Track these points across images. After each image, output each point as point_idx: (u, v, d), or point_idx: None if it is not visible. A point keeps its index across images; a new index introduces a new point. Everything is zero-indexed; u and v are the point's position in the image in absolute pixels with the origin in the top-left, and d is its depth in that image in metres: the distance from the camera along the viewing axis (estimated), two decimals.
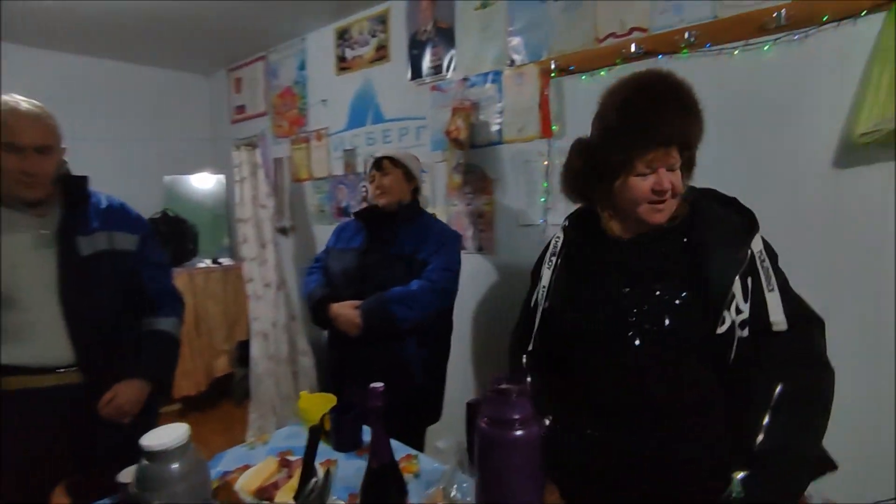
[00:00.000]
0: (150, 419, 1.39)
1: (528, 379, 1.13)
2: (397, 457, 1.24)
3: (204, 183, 3.88)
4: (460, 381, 2.48)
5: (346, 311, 1.73)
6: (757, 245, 0.98)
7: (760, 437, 0.92)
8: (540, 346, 1.15)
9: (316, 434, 0.85)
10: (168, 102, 3.93)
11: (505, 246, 2.31)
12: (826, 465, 1.00)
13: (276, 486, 1.10)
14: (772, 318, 0.95)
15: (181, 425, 0.78)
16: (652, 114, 0.96)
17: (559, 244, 1.15)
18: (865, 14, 1.40)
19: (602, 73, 1.91)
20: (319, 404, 1.42)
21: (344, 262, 1.84)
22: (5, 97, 1.26)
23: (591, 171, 1.06)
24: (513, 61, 2.20)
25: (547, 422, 1.08)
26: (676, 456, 0.97)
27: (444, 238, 1.86)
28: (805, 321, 0.98)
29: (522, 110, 2.16)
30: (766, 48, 1.57)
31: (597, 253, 1.08)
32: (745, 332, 0.95)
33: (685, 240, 1.01)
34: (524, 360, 1.18)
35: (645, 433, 0.99)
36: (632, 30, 1.83)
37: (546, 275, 1.14)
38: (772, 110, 1.58)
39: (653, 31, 1.78)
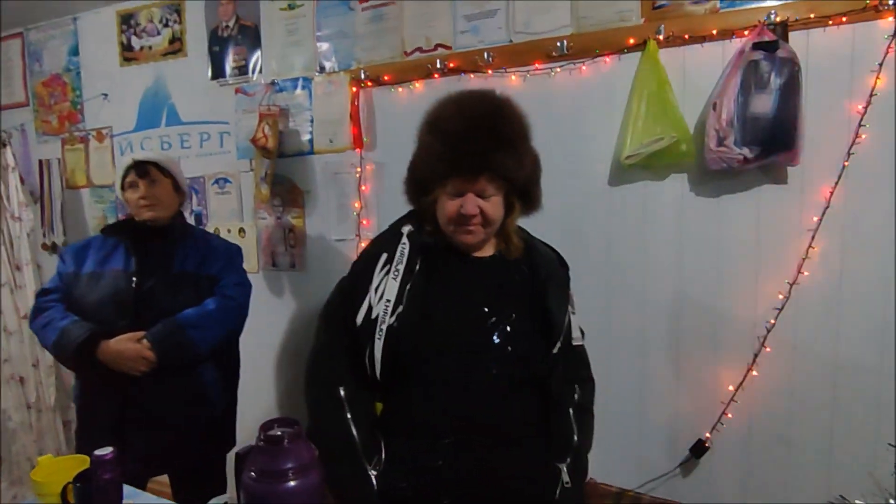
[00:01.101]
0: None
1: (348, 414, 1.01)
2: None
3: None
4: (262, 403, 2.28)
5: (130, 345, 1.44)
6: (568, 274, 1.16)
7: (577, 432, 1.08)
8: (380, 373, 1.01)
9: None
10: None
11: (317, 261, 2.17)
12: None
13: None
14: (573, 335, 1.12)
15: None
16: (459, 140, 0.95)
17: (406, 251, 1.03)
18: (626, 52, 1.60)
19: (416, 84, 1.91)
20: (67, 470, 1.12)
21: (106, 289, 1.52)
22: None
23: (414, 184, 1.07)
24: (322, 68, 2.09)
25: (377, 464, 1.00)
26: (519, 476, 1.01)
27: (230, 252, 1.70)
28: (580, 334, 1.16)
29: (333, 120, 2.06)
30: (552, 74, 1.71)
31: (447, 267, 1.05)
32: (557, 349, 1.04)
33: (527, 270, 1.07)
34: (341, 391, 1.03)
35: (487, 453, 0.98)
36: (437, 46, 1.86)
37: (391, 286, 1.00)
38: (560, 128, 1.71)
39: (455, 49, 1.83)
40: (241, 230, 2.31)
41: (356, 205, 2.02)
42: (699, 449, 1.60)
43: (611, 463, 1.60)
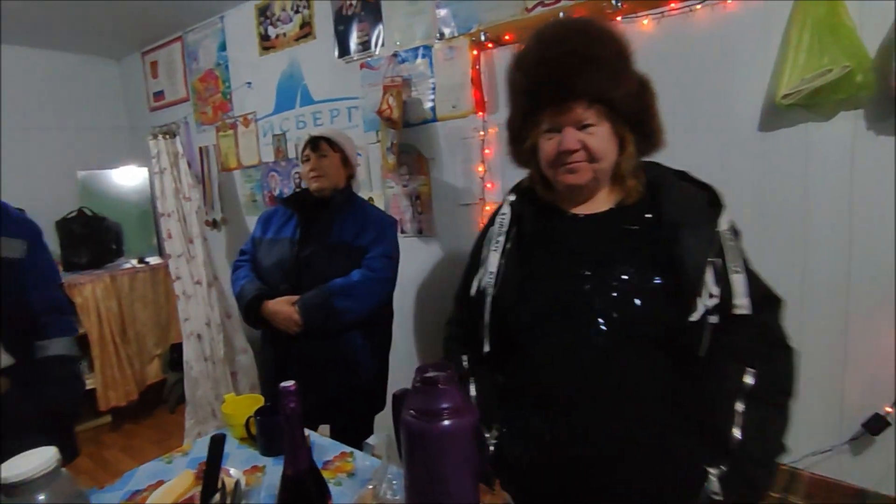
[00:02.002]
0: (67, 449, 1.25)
1: (473, 383, 1.03)
2: (331, 455, 1.17)
3: (127, 177, 3.59)
4: (403, 368, 2.41)
5: (283, 307, 1.62)
6: (723, 223, 0.89)
7: (736, 430, 0.84)
8: (490, 346, 1.00)
9: (218, 444, 0.75)
10: (76, 90, 3.59)
11: (444, 227, 2.24)
12: None
13: (191, 501, 0.99)
14: (735, 301, 0.86)
15: (48, 449, 0.66)
16: (542, 64, 0.87)
17: (506, 221, 1.01)
18: None
19: None
20: (246, 406, 1.31)
21: (277, 255, 1.70)
22: None
23: (512, 136, 1.00)
24: (442, 34, 2.11)
25: (496, 432, 0.99)
26: (642, 450, 0.87)
27: (382, 225, 1.77)
28: (767, 302, 0.91)
29: (455, 86, 2.08)
30: (691, 12, 1.55)
31: (550, 231, 0.98)
32: (716, 318, 0.86)
33: (649, 216, 0.91)
34: (465, 361, 1.05)
35: (608, 428, 0.88)
36: None
37: (493, 258, 0.99)
38: (701, 73, 1.57)
39: None
40: (370, 199, 2.45)
41: (480, 168, 2.03)
42: (877, 424, 1.41)
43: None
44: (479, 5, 1.98)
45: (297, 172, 2.73)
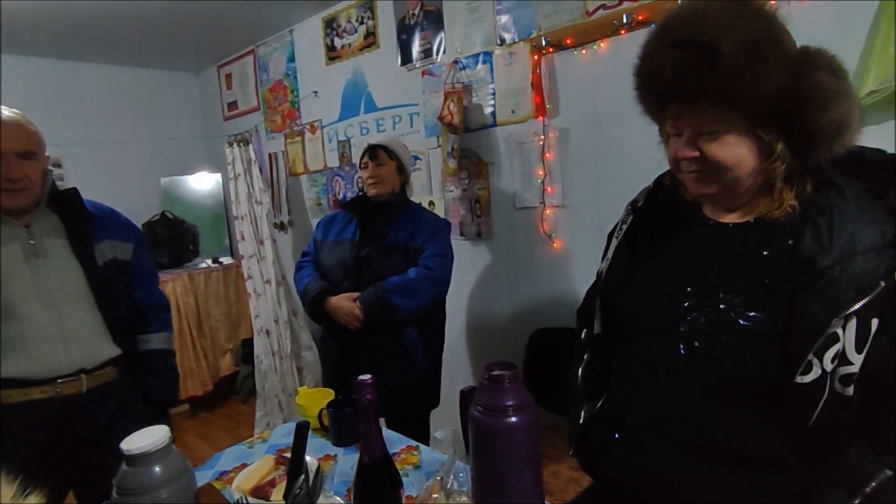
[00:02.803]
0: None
1: (587, 356, 1.00)
2: (398, 448, 1.23)
3: (202, 182, 3.85)
4: (459, 367, 2.46)
5: (345, 303, 1.71)
6: None
7: None
8: (602, 330, 0.97)
9: (303, 431, 0.82)
10: (159, 103, 3.89)
11: (502, 230, 2.27)
12: None
13: (272, 483, 1.07)
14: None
15: (160, 428, 0.75)
16: (650, 63, 0.76)
17: (630, 212, 0.95)
18: None
19: (601, 44, 1.85)
20: (318, 399, 1.39)
21: (338, 255, 1.81)
22: None
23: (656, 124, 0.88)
24: (503, 40, 2.14)
25: (588, 407, 0.99)
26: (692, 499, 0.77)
27: (437, 226, 1.84)
28: None
29: (515, 90, 2.11)
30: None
31: (679, 231, 0.88)
32: (850, 391, 0.67)
33: (790, 242, 0.74)
34: (584, 335, 1.02)
35: (666, 466, 0.80)
36: (622, 0, 1.77)
37: (612, 245, 0.96)
38: None
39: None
40: (431, 203, 2.52)
41: (540, 172, 2.05)
42: None
43: None
44: (539, 10, 2.00)
45: (359, 177, 2.85)
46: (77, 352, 1.26)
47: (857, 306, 0.65)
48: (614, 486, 0.91)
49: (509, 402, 0.86)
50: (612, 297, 0.94)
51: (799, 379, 0.68)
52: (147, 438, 0.72)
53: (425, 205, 2.54)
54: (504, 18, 2.12)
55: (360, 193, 2.02)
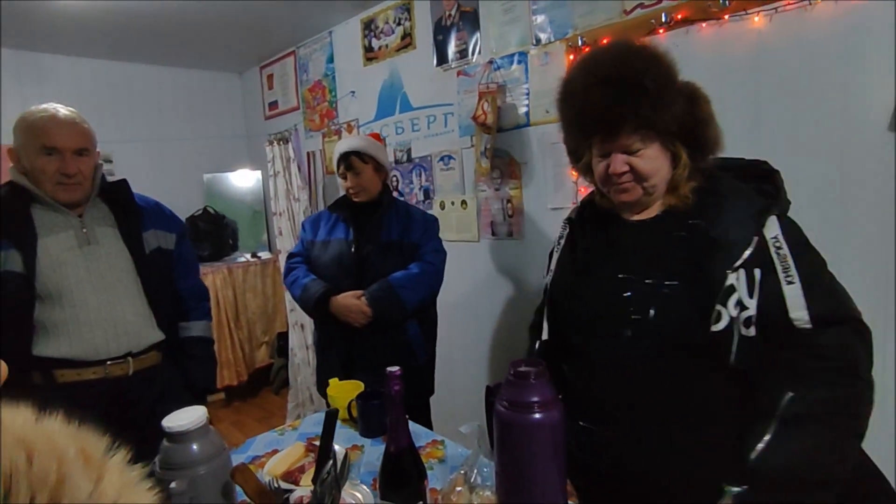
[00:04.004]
0: None
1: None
2: (423, 442, 1.25)
3: (243, 179, 3.98)
4: (494, 365, 2.47)
5: (352, 301, 1.74)
6: (771, 230, 0.86)
7: (759, 450, 0.81)
8: (550, 332, 1.11)
9: (331, 419, 0.85)
10: (204, 102, 4.04)
11: (533, 230, 2.26)
12: (880, 499, 0.92)
13: (301, 470, 1.11)
14: (791, 315, 0.83)
15: (199, 408, 0.79)
16: (583, 99, 0.91)
17: (567, 226, 1.12)
18: None
19: None
20: (348, 391, 1.43)
21: (333, 254, 1.83)
22: (44, 105, 1.32)
23: (569, 152, 1.05)
24: (538, 40, 2.14)
25: None
26: (665, 462, 0.91)
27: (427, 222, 1.89)
28: (839, 322, 0.83)
29: (549, 90, 2.08)
30: (810, 6, 1.46)
31: (605, 236, 1.04)
32: (752, 332, 0.84)
33: (694, 222, 0.92)
34: (537, 346, 1.14)
35: (633, 433, 0.93)
36: None
37: (554, 259, 1.12)
38: (820, 72, 1.47)
39: None
40: (464, 202, 2.53)
41: (573, 173, 2.04)
42: None
43: None
44: (575, 10, 1.99)
45: (392, 175, 2.89)
46: (125, 335, 1.33)
47: (741, 260, 0.84)
48: (585, 471, 1.00)
49: (534, 399, 0.86)
50: (561, 304, 1.06)
51: (714, 328, 0.85)
52: (186, 417, 0.77)
53: (457, 204, 2.55)
54: (540, 18, 2.12)
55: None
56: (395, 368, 0.87)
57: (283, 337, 3.45)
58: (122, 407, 1.34)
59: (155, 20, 2.88)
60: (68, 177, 1.29)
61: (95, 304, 1.31)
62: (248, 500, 0.76)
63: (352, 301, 1.74)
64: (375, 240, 1.82)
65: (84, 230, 1.34)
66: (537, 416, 0.86)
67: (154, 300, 1.40)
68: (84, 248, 1.33)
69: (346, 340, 1.82)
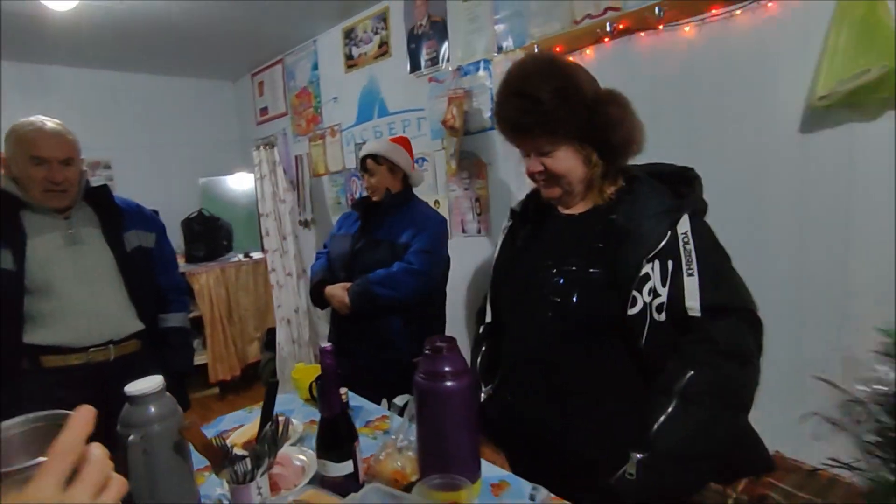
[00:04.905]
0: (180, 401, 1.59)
1: (483, 347, 1.25)
2: (374, 417, 1.39)
3: (238, 182, 4.14)
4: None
5: (338, 291, 1.90)
6: (682, 227, 0.96)
7: (659, 422, 0.90)
8: (492, 316, 1.24)
9: (272, 389, 0.99)
10: (200, 109, 4.21)
11: (500, 226, 2.38)
12: (758, 464, 1.05)
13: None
14: (686, 304, 0.93)
15: (157, 377, 0.93)
16: (499, 107, 1.05)
17: (511, 217, 1.24)
18: None
19: (587, 51, 1.95)
20: (310, 374, 1.56)
21: (340, 248, 1.99)
22: (32, 118, 1.45)
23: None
24: (500, 48, 2.27)
25: (486, 389, 1.20)
26: (577, 431, 1.01)
27: (425, 223, 1.96)
28: (729, 311, 0.94)
29: None
30: (732, 17, 1.58)
31: (535, 227, 1.16)
32: (662, 317, 0.94)
33: (613, 217, 1.02)
34: (481, 329, 1.27)
35: (549, 406, 1.04)
36: (606, 10, 1.87)
37: (497, 247, 1.24)
38: (741, 77, 1.60)
39: (625, 10, 1.82)
40: (436, 202, 2.67)
41: None
42: None
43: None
44: (532, 21, 2.12)
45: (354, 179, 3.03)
46: (106, 325, 1.48)
47: (654, 251, 0.94)
48: (510, 441, 1.14)
49: (447, 369, 1.00)
50: (497, 287, 1.19)
51: (629, 311, 0.94)
52: (146, 384, 0.90)
53: (431, 203, 2.69)
54: (501, 27, 2.25)
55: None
56: (327, 345, 1.01)
57: (272, 332, 3.59)
58: (104, 391, 1.49)
59: (153, 32, 3.03)
60: (55, 184, 1.43)
61: (80, 297, 1.45)
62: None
63: (337, 291, 1.90)
64: (370, 237, 1.95)
65: (70, 231, 1.49)
66: (449, 384, 0.99)
67: (134, 294, 1.54)
68: (70, 247, 1.47)
69: (338, 327, 1.99)
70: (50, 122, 1.46)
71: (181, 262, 3.66)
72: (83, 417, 0.45)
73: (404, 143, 2.08)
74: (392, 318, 1.91)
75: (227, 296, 3.61)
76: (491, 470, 1.05)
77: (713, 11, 1.61)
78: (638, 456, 0.90)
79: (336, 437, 1.01)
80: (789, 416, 1.22)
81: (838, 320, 1.49)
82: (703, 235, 0.97)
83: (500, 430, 1.16)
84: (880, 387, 1.11)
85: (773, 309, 1.07)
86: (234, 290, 3.66)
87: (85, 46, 3.18)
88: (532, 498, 0.93)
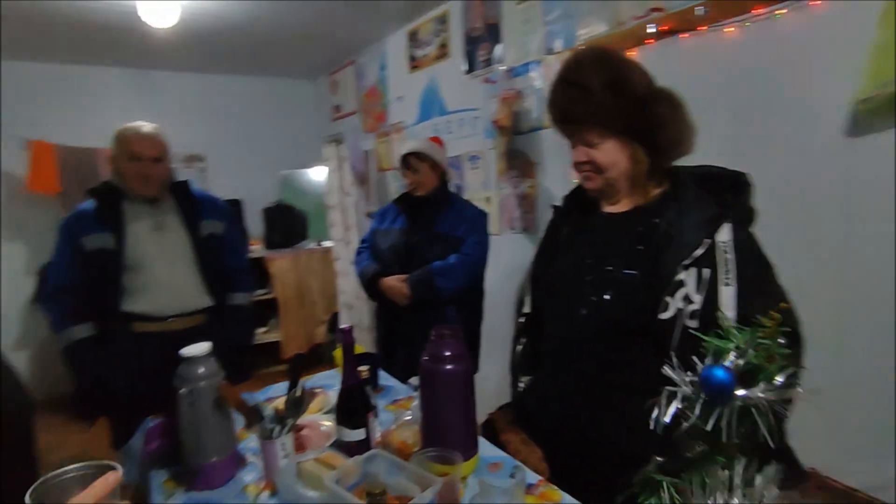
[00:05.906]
0: (239, 371, 1.80)
1: (523, 339, 1.28)
2: (401, 396, 1.53)
3: (317, 175, 4.45)
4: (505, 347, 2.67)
5: (396, 283, 2.04)
6: (723, 236, 0.94)
7: (684, 427, 0.88)
8: (531, 309, 1.24)
9: (299, 360, 1.15)
10: (283, 107, 4.58)
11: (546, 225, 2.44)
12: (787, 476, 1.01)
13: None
14: (719, 312, 0.90)
15: (206, 343, 1.12)
16: (552, 93, 1.06)
17: (554, 212, 1.24)
18: None
19: (632, 52, 1.96)
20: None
21: (390, 242, 2.13)
22: (134, 123, 1.73)
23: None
24: (551, 49, 2.31)
25: (524, 382, 1.25)
26: (599, 427, 1.02)
27: (476, 218, 2.10)
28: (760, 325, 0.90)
29: None
30: (776, 17, 1.54)
31: (578, 224, 1.16)
32: (695, 324, 0.92)
33: (656, 221, 1.01)
34: (520, 321, 1.29)
35: (583, 401, 1.05)
36: (650, 11, 1.87)
37: (540, 242, 1.26)
38: (786, 78, 1.55)
39: (668, 10, 1.80)
40: (488, 199, 2.76)
41: None
42: None
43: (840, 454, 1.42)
44: (580, 23, 2.14)
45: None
46: (181, 299, 1.74)
47: (690, 259, 0.93)
48: (545, 434, 1.13)
49: (447, 353, 1.11)
50: (536, 281, 1.21)
51: (661, 315, 0.93)
52: (196, 349, 1.10)
53: (482, 201, 2.78)
54: (552, 29, 2.29)
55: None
56: (346, 325, 1.15)
57: (336, 316, 3.87)
58: (176, 356, 1.75)
59: (241, 38, 3.37)
60: (146, 178, 1.70)
61: (162, 274, 1.72)
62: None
63: (395, 283, 2.04)
64: (425, 231, 2.08)
65: (157, 218, 1.76)
66: (449, 366, 1.10)
67: (205, 274, 1.79)
68: (157, 232, 1.75)
69: (391, 318, 2.14)
70: (147, 126, 1.73)
71: (260, 246, 4.04)
72: (105, 481, 0.55)
73: (439, 143, 2.21)
74: (447, 306, 2.04)
75: (299, 281, 3.93)
76: (491, 450, 1.15)
77: (755, 12, 1.57)
78: (659, 459, 0.90)
79: (352, 406, 1.16)
80: (827, 430, 1.20)
81: (885, 330, 1.42)
82: (745, 245, 0.95)
83: (535, 423, 1.16)
84: None
85: (817, 316, 1.04)
86: (307, 275, 3.98)
87: (186, 53, 3.59)
88: (512, 476, 1.02)
